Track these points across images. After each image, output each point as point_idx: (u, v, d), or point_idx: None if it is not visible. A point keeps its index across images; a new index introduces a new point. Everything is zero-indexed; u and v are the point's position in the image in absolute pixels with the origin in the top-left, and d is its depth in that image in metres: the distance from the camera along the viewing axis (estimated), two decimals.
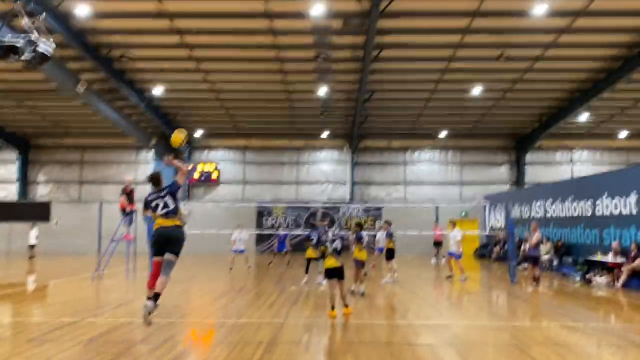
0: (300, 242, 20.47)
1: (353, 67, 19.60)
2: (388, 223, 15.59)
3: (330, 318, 8.95)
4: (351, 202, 28.18)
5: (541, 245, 15.72)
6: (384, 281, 14.42)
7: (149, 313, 6.46)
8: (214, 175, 28.75)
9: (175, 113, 25.65)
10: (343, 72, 20.36)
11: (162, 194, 6.84)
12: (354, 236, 11.78)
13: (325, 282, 10.74)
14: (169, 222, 6.73)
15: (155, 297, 6.52)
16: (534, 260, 14.22)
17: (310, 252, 13.89)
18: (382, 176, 29.11)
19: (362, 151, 28.99)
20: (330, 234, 10.75)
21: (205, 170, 28.74)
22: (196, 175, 28.67)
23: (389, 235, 14.80)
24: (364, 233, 12.15)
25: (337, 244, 9.75)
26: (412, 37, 17.33)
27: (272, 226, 27.30)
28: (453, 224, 15.85)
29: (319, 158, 29.48)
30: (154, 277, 6.69)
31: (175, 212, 6.79)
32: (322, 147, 29.42)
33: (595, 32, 16.74)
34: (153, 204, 6.82)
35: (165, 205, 6.77)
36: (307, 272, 13.98)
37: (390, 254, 14.55)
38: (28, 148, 29.64)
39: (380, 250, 16.94)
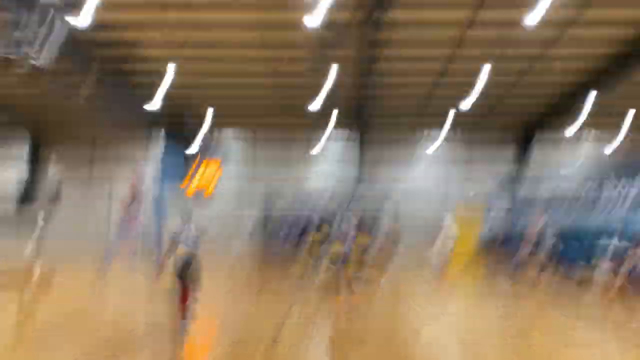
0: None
1: (355, 66, 19.53)
2: None
3: (336, 304, 8.91)
4: (355, 198, 28.10)
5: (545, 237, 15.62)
6: (385, 280, 14.31)
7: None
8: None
9: (176, 111, 25.62)
10: (344, 71, 20.23)
11: (188, 227, 8.03)
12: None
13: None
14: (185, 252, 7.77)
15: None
16: (538, 252, 14.21)
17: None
18: (385, 174, 29.06)
19: (365, 148, 28.89)
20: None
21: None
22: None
23: None
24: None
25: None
26: (413, 34, 17.29)
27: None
28: None
29: (322, 153, 29.42)
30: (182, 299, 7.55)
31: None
32: (323, 145, 29.35)
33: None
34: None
35: (187, 237, 7.86)
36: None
37: None
38: (34, 145, 29.71)
39: None
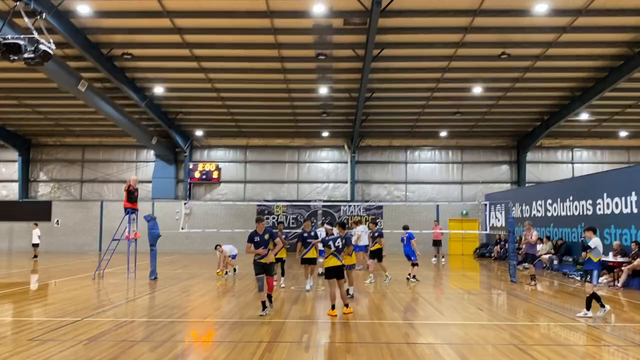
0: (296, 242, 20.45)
1: (354, 66, 19.60)
2: (374, 223, 15.75)
3: (330, 317, 8.97)
4: (352, 200, 28.18)
5: (541, 244, 15.76)
6: (386, 282, 14.40)
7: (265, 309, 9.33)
8: (215, 175, 28.80)
9: (176, 112, 25.67)
10: (344, 71, 20.36)
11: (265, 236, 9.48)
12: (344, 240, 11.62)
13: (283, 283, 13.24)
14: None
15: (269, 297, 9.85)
16: (531, 258, 14.31)
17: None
18: (383, 175, 29.12)
19: (362, 150, 28.98)
20: (335, 232, 10.66)
21: (206, 169, 28.79)
22: (197, 175, 28.73)
23: (380, 235, 14.53)
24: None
25: (339, 243, 9.74)
26: (413, 36, 17.34)
27: (273, 225, 27.28)
28: (356, 222, 18.03)
29: (319, 157, 29.50)
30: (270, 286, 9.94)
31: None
32: (322, 146, 29.45)
33: (596, 31, 16.76)
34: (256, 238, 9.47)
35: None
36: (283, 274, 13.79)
37: (375, 255, 14.39)
38: (29, 147, 29.67)
39: (363, 248, 16.82)
